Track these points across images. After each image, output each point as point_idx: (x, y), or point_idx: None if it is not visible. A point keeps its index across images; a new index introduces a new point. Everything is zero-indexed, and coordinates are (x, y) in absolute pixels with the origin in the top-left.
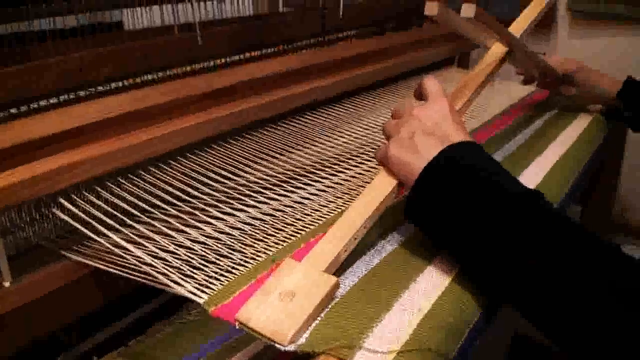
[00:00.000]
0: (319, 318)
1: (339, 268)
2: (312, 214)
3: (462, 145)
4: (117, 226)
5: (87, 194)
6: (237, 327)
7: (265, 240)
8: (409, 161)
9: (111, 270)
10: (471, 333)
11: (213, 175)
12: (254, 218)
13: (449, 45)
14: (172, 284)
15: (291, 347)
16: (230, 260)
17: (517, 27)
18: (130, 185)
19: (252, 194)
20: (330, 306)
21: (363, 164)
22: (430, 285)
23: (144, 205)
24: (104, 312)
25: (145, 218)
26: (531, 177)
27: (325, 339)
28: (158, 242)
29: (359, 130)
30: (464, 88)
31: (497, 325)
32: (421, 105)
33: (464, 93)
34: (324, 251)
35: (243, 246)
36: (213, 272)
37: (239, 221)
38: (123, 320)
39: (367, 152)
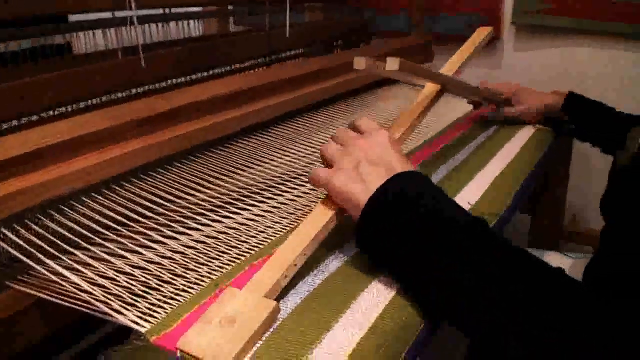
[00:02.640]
0: (260, 342)
1: (281, 292)
2: (257, 236)
3: (406, 174)
4: (57, 254)
5: (28, 222)
6: (178, 355)
7: (209, 264)
8: (355, 192)
9: (52, 299)
10: (413, 349)
11: (156, 199)
12: (196, 241)
13: None
14: (113, 313)
15: None
16: (172, 286)
17: (452, 66)
18: (71, 212)
19: (195, 216)
20: (272, 329)
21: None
22: (372, 302)
23: (83, 232)
24: (54, 340)
25: (84, 244)
26: (473, 191)
27: None
28: (96, 268)
29: (305, 149)
30: (399, 125)
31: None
32: (363, 135)
33: (398, 129)
34: (264, 278)
35: (186, 271)
36: (156, 299)
37: (181, 245)
38: (72, 348)
39: None
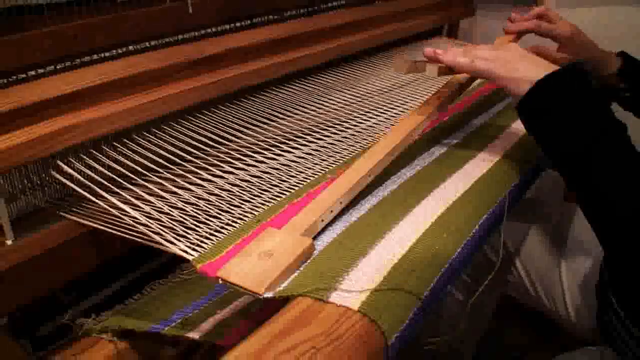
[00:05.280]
0: (297, 271)
1: (317, 233)
2: (297, 176)
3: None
4: (114, 188)
5: (84, 157)
6: (220, 282)
7: (252, 201)
8: (528, 66)
9: (109, 230)
10: (442, 278)
11: (204, 140)
12: (242, 180)
13: (437, 15)
14: (165, 243)
15: (269, 295)
16: (219, 220)
17: None
18: (124, 149)
19: (241, 157)
20: (309, 261)
21: (349, 128)
22: (405, 234)
23: (138, 168)
24: (102, 273)
25: (140, 180)
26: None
27: (303, 285)
28: (153, 203)
29: (345, 98)
30: (432, 100)
31: (482, 288)
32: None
33: (431, 105)
34: (301, 220)
35: (231, 207)
36: (204, 232)
37: (227, 183)
38: (120, 280)
39: (353, 119)
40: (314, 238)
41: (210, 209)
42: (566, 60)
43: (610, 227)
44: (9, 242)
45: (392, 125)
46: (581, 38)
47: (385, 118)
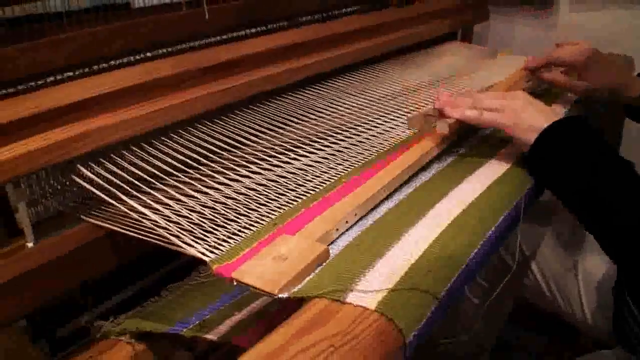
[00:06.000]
0: (313, 273)
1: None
2: (313, 180)
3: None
4: (133, 192)
5: (104, 162)
6: (235, 284)
7: (268, 204)
8: (535, 115)
9: (128, 233)
10: (458, 278)
11: (221, 144)
12: (258, 184)
13: (451, 20)
14: (184, 245)
15: (283, 295)
16: (236, 223)
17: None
18: (143, 153)
19: (257, 161)
20: (324, 264)
21: (364, 132)
22: (421, 236)
23: (157, 172)
24: (121, 275)
25: (159, 184)
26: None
27: (319, 286)
28: (172, 207)
29: (360, 102)
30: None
31: (499, 291)
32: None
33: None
34: (316, 228)
35: (248, 210)
36: (222, 234)
37: (244, 187)
38: (138, 283)
39: (367, 122)
40: (329, 245)
41: (228, 212)
42: (571, 84)
43: (625, 255)
44: (30, 245)
45: (409, 130)
46: (600, 63)
47: (400, 122)
